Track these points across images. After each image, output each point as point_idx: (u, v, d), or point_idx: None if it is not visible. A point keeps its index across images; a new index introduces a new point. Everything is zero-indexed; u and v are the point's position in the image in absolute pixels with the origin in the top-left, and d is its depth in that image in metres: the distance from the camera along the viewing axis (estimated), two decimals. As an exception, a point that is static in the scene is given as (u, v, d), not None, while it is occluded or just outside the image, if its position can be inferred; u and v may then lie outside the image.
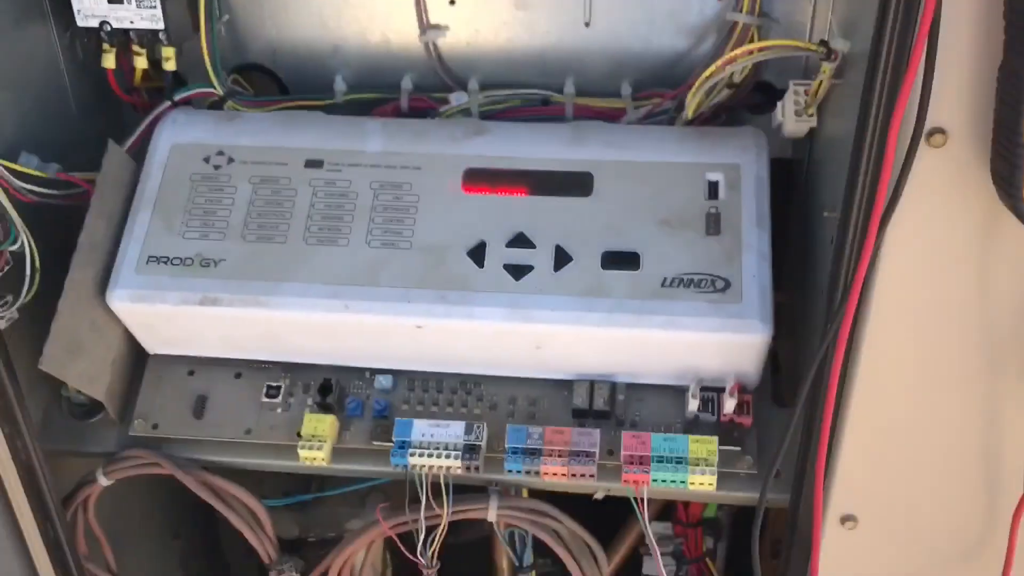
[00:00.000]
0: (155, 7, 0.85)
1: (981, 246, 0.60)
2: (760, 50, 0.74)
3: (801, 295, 0.85)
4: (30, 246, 0.81)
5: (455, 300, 0.79)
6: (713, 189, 0.82)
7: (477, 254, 0.80)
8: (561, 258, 0.80)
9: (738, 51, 0.75)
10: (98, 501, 0.90)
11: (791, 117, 0.81)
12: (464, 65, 0.96)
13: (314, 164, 0.85)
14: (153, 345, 0.88)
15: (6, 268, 0.79)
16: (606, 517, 0.96)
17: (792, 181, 0.92)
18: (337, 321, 0.80)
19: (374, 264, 0.81)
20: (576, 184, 0.83)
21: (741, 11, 0.85)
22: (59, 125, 0.92)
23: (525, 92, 0.94)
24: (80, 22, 0.87)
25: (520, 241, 0.81)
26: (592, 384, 0.83)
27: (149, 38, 0.88)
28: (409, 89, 0.96)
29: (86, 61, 0.92)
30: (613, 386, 0.83)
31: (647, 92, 0.92)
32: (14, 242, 0.79)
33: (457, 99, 0.94)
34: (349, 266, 0.81)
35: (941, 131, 0.56)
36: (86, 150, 0.87)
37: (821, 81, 0.76)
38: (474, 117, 0.93)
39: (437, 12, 0.93)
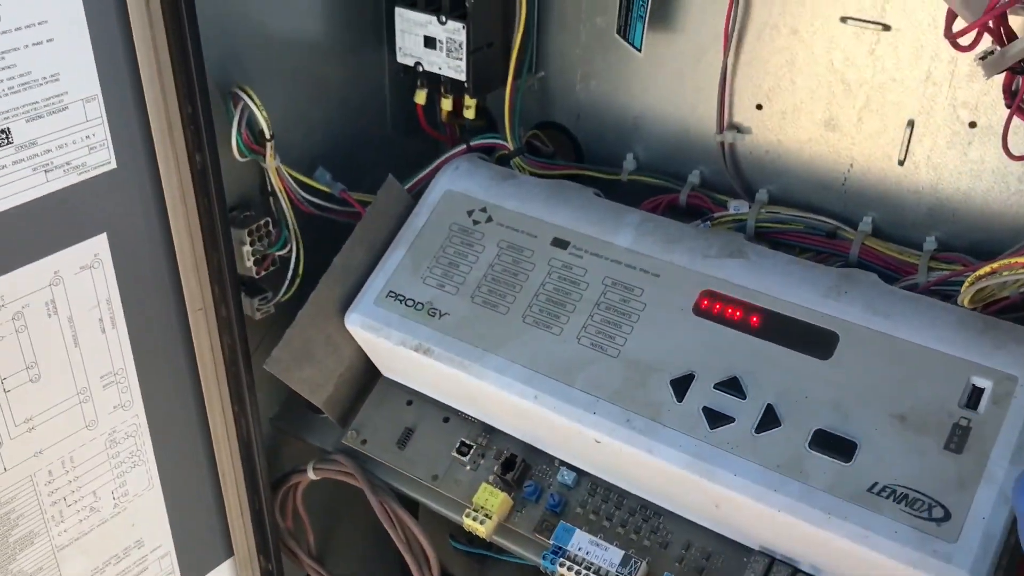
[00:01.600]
0: (461, 59, 0.88)
1: None
2: (1048, 266, 0.60)
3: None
4: (298, 252, 0.89)
5: (640, 428, 0.74)
6: (974, 397, 0.68)
7: (681, 385, 0.75)
8: (768, 419, 0.72)
9: (1020, 259, 0.62)
10: (309, 487, 0.97)
11: (1108, 340, 0.65)
12: (756, 173, 0.89)
13: (560, 244, 0.84)
14: (384, 370, 0.93)
15: (271, 268, 0.88)
16: None
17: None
18: (525, 407, 0.79)
19: (577, 362, 0.78)
20: (817, 341, 0.74)
21: (1084, 194, 0.70)
22: (372, 144, 1.00)
23: (812, 218, 0.85)
24: (399, 59, 0.92)
25: (731, 386, 0.74)
26: (771, 563, 0.74)
27: (455, 85, 0.91)
28: (695, 184, 0.91)
29: (409, 91, 0.98)
30: (794, 573, 0.73)
31: (952, 255, 0.79)
32: (283, 247, 0.88)
33: (735, 207, 0.87)
34: (553, 357, 0.79)
35: None
36: (394, 170, 0.93)
37: None
38: (748, 231, 0.86)
39: (742, 113, 0.87)
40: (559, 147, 0.99)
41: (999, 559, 0.63)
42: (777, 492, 0.69)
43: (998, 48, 0.66)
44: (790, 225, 0.86)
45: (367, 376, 0.94)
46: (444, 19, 0.87)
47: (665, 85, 0.91)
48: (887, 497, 0.66)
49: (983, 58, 0.66)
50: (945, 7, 0.65)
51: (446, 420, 0.90)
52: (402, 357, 0.86)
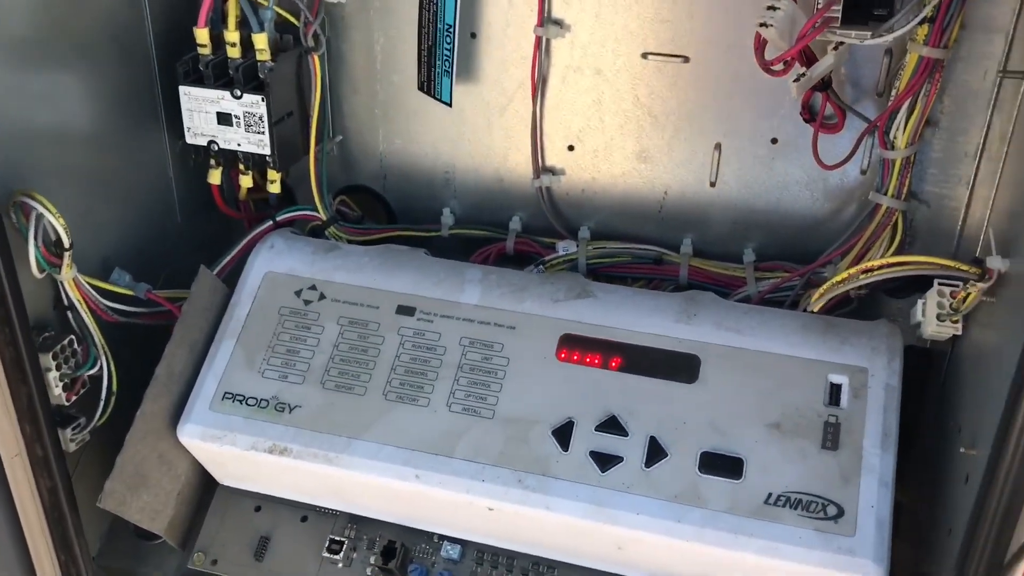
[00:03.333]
0: (263, 133, 0.83)
1: None
2: (894, 265, 0.66)
3: (925, 506, 0.75)
4: (108, 370, 0.79)
5: (532, 486, 0.72)
6: (835, 394, 0.73)
7: (563, 435, 0.74)
8: (655, 452, 0.72)
9: (875, 263, 0.67)
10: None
11: (932, 320, 0.72)
12: (576, 211, 0.90)
13: (406, 311, 0.81)
14: (223, 478, 0.85)
15: (82, 391, 0.77)
16: None
17: (931, 374, 0.82)
18: (406, 489, 0.74)
19: (452, 431, 0.75)
20: (680, 367, 0.75)
21: (885, 193, 0.77)
22: (164, 235, 0.91)
23: (638, 248, 0.87)
24: (189, 139, 0.85)
25: (611, 426, 0.74)
26: (677, 590, 0.75)
27: (256, 160, 0.85)
28: (517, 230, 0.91)
29: (196, 172, 0.90)
30: (700, 596, 0.74)
31: (772, 264, 0.85)
32: (92, 366, 0.78)
33: (564, 248, 0.88)
34: (426, 430, 0.75)
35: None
36: (191, 260, 0.85)
37: (970, 293, 0.67)
38: (580, 269, 0.87)
39: (555, 155, 0.88)
40: (367, 210, 0.96)
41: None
42: (681, 523, 0.69)
43: (805, 70, 0.71)
44: (618, 258, 0.88)
45: (203, 489, 0.86)
46: (239, 93, 0.82)
47: (473, 136, 0.90)
48: (784, 506, 0.69)
49: (796, 80, 0.71)
50: (738, 38, 0.69)
51: (304, 519, 0.84)
52: (252, 462, 0.78)
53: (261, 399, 0.78)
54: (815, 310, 0.74)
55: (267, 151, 0.84)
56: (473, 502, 0.73)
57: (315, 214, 0.90)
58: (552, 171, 0.89)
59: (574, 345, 0.77)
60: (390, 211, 0.96)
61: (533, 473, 0.73)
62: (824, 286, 0.71)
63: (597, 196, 0.89)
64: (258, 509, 0.85)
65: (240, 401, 0.79)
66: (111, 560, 0.86)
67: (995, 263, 0.63)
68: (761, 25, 0.67)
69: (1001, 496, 0.55)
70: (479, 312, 0.80)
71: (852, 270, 0.68)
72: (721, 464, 0.71)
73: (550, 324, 0.79)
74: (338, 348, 0.80)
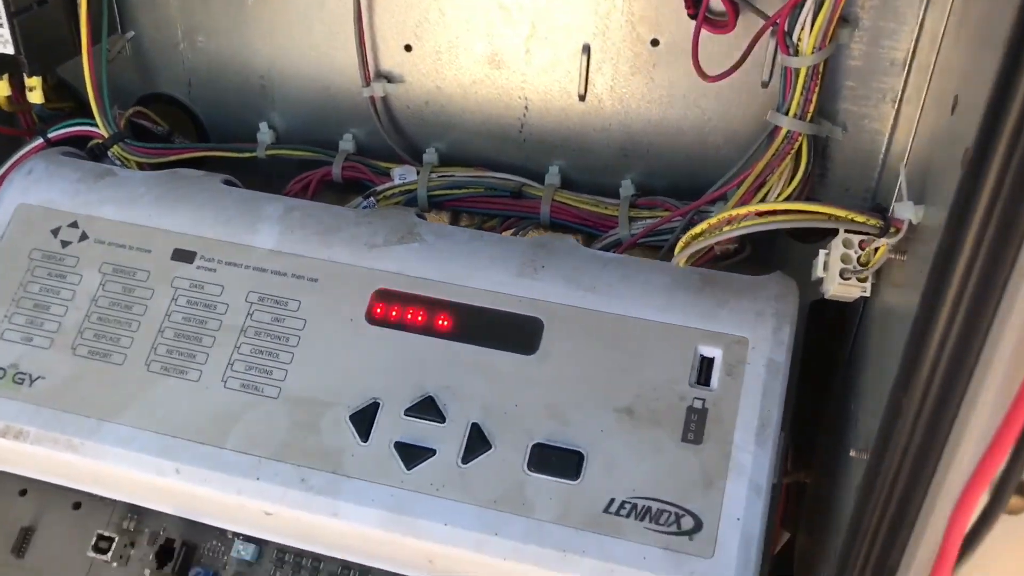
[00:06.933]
0: (1, 26, 0.64)
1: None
2: (771, 213, 0.49)
3: (826, 495, 0.60)
4: None
5: (318, 486, 0.57)
6: (704, 371, 0.57)
7: (363, 420, 0.58)
8: (475, 443, 0.57)
9: (740, 211, 0.50)
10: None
11: (835, 277, 0.56)
12: (419, 129, 0.73)
13: (184, 256, 0.64)
14: (-25, 455, 0.69)
15: None
16: None
17: (845, 332, 0.66)
18: (166, 485, 0.59)
19: (226, 413, 0.59)
20: (518, 333, 0.60)
21: (786, 112, 0.59)
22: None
23: (492, 176, 0.70)
24: (-85, 34, 0.67)
25: (425, 409, 0.58)
26: (507, 608, 0.60)
27: (6, 62, 0.67)
28: (349, 151, 0.74)
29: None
30: (535, 615, 0.60)
31: (652, 200, 0.68)
32: None
33: (401, 175, 0.71)
34: (194, 412, 0.60)
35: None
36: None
37: (877, 248, 0.51)
38: (420, 203, 0.71)
39: (390, 57, 0.71)
40: (175, 124, 0.78)
41: (761, 564, 0.53)
42: (498, 536, 0.55)
43: (672, -53, 0.53)
44: (468, 189, 0.71)
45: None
46: (-39, -29, 0.63)
47: (290, 32, 0.72)
48: (627, 515, 0.54)
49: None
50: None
51: (77, 507, 0.69)
52: (-11, 445, 0.63)
53: (-2, 367, 0.62)
54: (679, 264, 0.58)
55: (11, 49, 0.65)
56: (246, 504, 0.58)
57: (94, 130, 0.72)
58: (387, 77, 0.71)
59: (389, 303, 0.61)
60: (200, 126, 0.78)
61: (321, 470, 0.57)
62: (684, 237, 0.54)
63: (444, 110, 0.72)
64: (23, 493, 0.70)
65: (-29, 369, 0.63)
66: None
67: (905, 211, 0.47)
68: None
69: (879, 521, 0.40)
70: (274, 259, 0.63)
71: (714, 219, 0.51)
72: (556, 460, 0.56)
73: (363, 275, 0.62)
74: (97, 303, 0.64)
